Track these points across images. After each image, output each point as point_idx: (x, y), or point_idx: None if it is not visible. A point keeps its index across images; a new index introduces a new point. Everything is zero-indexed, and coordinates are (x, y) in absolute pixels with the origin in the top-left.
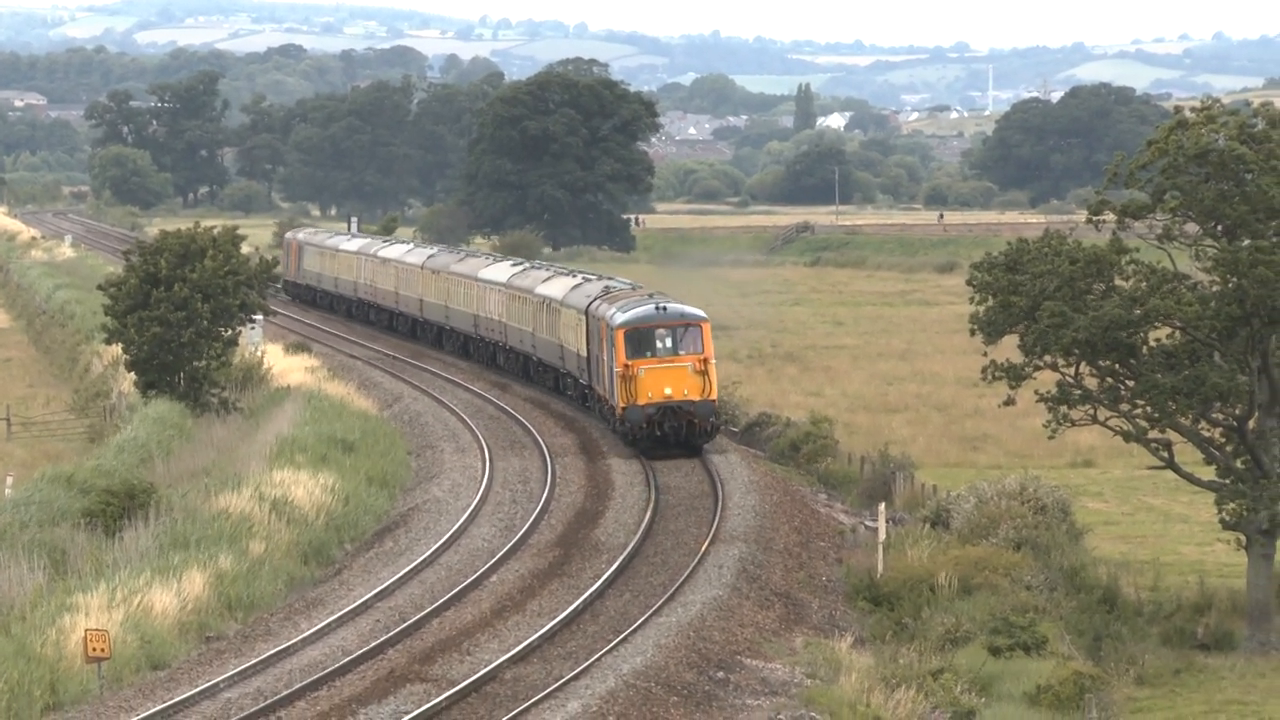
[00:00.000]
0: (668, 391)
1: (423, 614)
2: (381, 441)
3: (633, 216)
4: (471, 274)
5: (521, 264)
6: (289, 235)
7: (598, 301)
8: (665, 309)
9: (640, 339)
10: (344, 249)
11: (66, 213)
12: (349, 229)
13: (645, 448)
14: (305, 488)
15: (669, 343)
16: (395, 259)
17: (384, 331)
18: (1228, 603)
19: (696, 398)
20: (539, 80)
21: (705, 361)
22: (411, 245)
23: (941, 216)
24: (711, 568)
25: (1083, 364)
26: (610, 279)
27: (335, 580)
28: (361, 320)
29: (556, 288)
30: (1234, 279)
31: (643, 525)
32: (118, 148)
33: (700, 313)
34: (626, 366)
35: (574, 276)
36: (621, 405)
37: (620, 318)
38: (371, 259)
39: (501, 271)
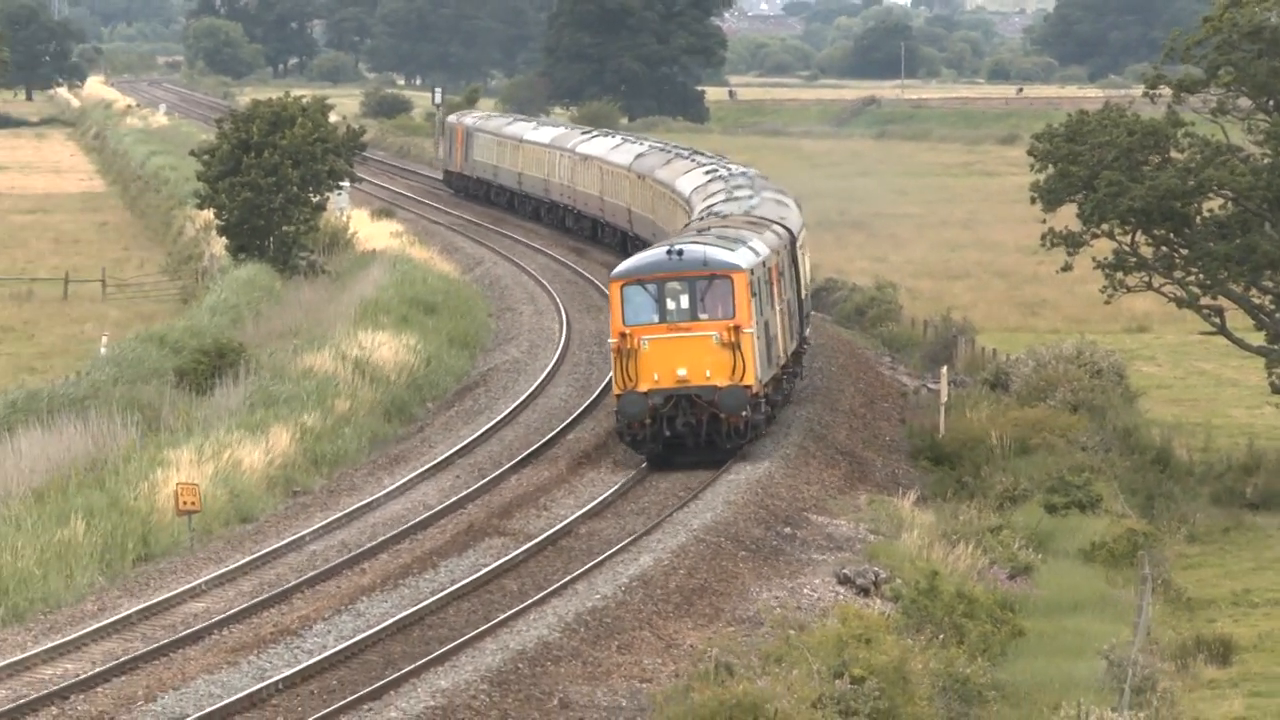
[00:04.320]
0: (681, 373)
1: (501, 470)
2: (463, 304)
3: (728, 89)
4: (670, 182)
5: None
6: (452, 119)
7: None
8: (681, 254)
9: (642, 297)
10: (530, 139)
11: (161, 82)
12: (433, 100)
13: (651, 453)
14: (388, 348)
15: (684, 302)
16: (599, 156)
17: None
18: (1276, 464)
19: (723, 382)
20: None
21: (737, 330)
22: (619, 139)
23: (1021, 90)
24: (779, 427)
25: (1138, 232)
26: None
27: (417, 438)
28: (556, 226)
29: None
30: None
31: None
32: (211, 19)
33: (733, 258)
34: (623, 336)
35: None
36: (616, 392)
37: (619, 266)
38: (569, 154)
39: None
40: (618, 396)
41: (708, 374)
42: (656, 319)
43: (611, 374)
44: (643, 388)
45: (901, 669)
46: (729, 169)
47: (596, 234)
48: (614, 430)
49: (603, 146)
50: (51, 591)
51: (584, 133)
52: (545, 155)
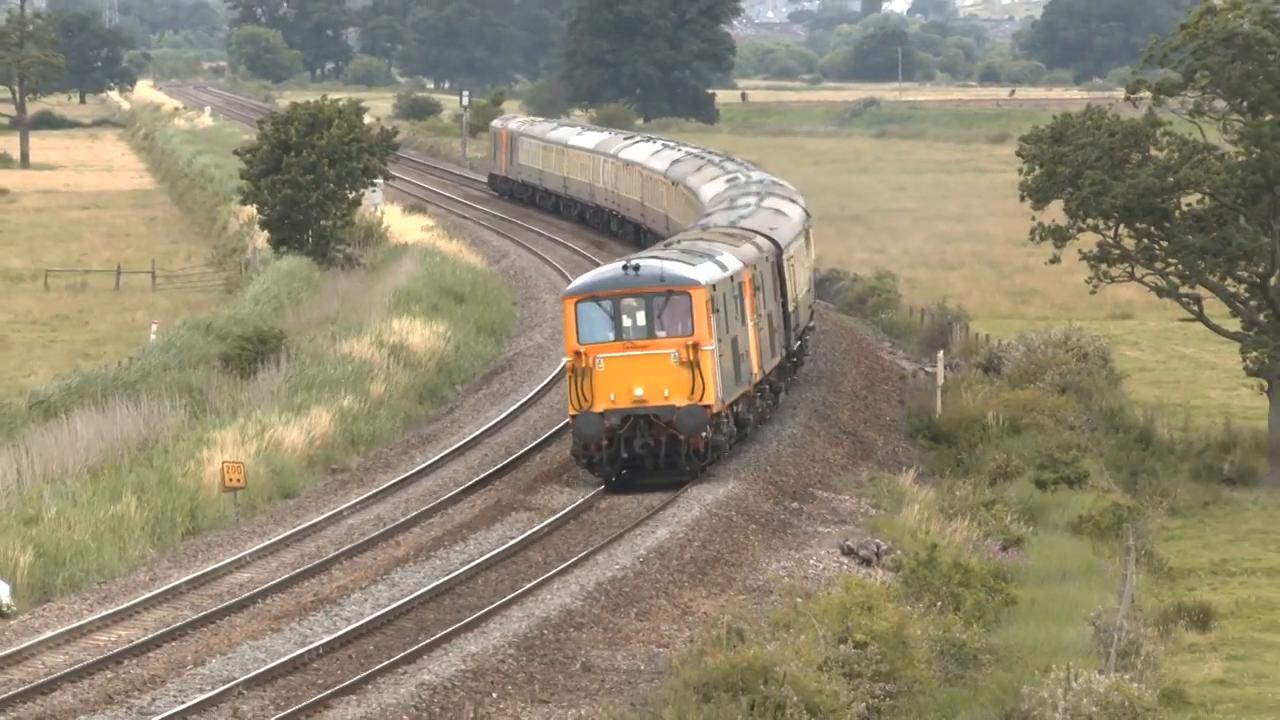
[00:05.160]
0: (638, 393)
1: (525, 449)
2: (489, 293)
3: (741, 92)
4: (696, 189)
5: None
6: (497, 124)
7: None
8: (638, 269)
9: (596, 314)
10: (575, 145)
11: (206, 86)
12: (460, 102)
13: (609, 474)
14: (420, 335)
15: (641, 319)
16: (640, 162)
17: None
18: (1251, 442)
19: (681, 401)
20: None
21: (696, 348)
22: (659, 145)
23: (1013, 92)
24: (786, 408)
25: (1121, 226)
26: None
27: (447, 418)
28: (600, 229)
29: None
30: (1257, 150)
31: None
32: (252, 27)
33: (692, 273)
34: (578, 355)
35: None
36: (571, 413)
37: (573, 282)
38: (612, 160)
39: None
40: (573, 417)
41: (666, 393)
42: (612, 336)
43: (566, 394)
44: (599, 408)
45: (901, 634)
46: (749, 176)
47: (640, 239)
48: (569, 453)
49: (643, 152)
50: (106, 563)
51: (626, 138)
52: (590, 160)
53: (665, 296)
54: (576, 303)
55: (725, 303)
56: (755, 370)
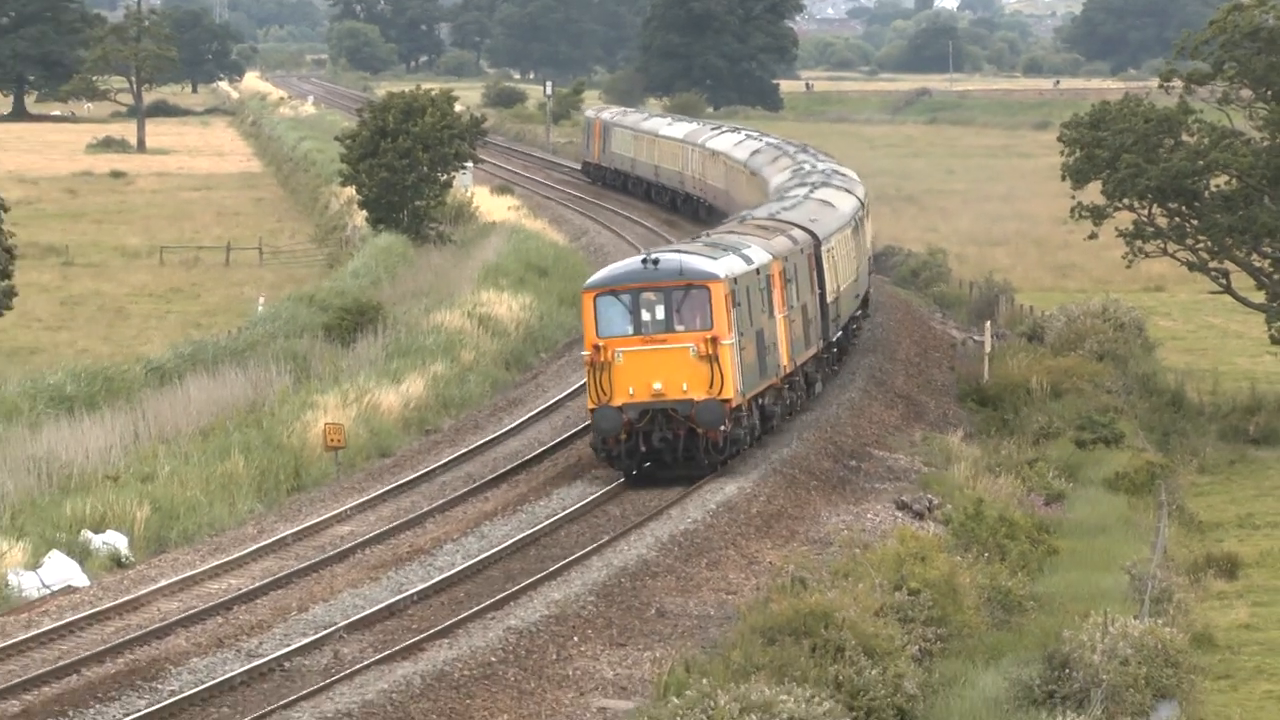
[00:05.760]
0: (657, 386)
1: None
2: (570, 268)
3: (806, 82)
4: (768, 180)
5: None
6: (590, 114)
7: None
8: (657, 263)
9: (616, 308)
10: (665, 134)
11: (309, 76)
12: (544, 91)
13: (628, 468)
14: (506, 306)
15: (660, 313)
16: (724, 152)
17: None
18: (1275, 405)
19: (700, 395)
20: None
21: (714, 342)
22: (743, 135)
23: (1058, 83)
24: (846, 374)
25: (1154, 206)
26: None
27: (532, 383)
28: (690, 215)
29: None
30: None
31: None
32: (351, 22)
33: (711, 267)
34: (597, 349)
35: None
36: (590, 406)
37: (593, 276)
38: (700, 149)
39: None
40: (592, 411)
41: (684, 387)
42: (631, 330)
43: (586, 388)
44: (617, 402)
45: (952, 583)
46: (815, 166)
47: None
48: (589, 446)
49: (728, 142)
50: (216, 517)
51: (714, 128)
52: (679, 150)
53: (684, 290)
54: (595, 296)
55: (749, 296)
56: (785, 362)
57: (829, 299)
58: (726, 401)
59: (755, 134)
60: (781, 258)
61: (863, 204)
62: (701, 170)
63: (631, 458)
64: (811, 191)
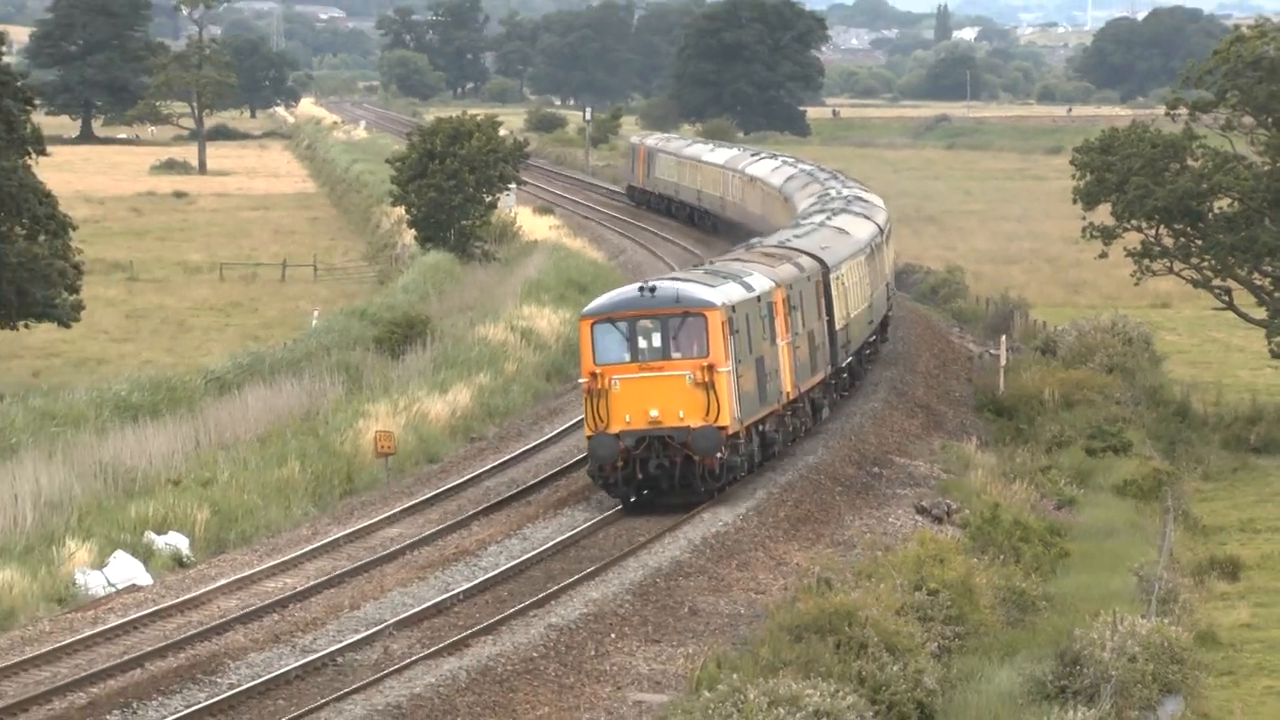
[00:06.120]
0: (653, 414)
1: None
2: (609, 284)
3: (832, 109)
4: (797, 205)
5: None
6: (635, 140)
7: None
8: (654, 290)
9: (612, 335)
10: (707, 160)
11: (361, 102)
12: (584, 117)
13: (625, 495)
14: (547, 320)
15: (656, 340)
16: (762, 178)
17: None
18: (1275, 415)
19: (696, 422)
20: (733, 0)
21: (711, 369)
22: (779, 162)
23: (1070, 110)
24: (869, 385)
25: (1161, 226)
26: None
27: (571, 394)
28: (729, 238)
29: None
30: None
31: None
32: (401, 51)
33: (708, 295)
34: (594, 376)
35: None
36: (587, 434)
37: (590, 304)
38: (739, 175)
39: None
40: (589, 438)
41: (681, 414)
42: (628, 358)
43: (583, 414)
44: (614, 429)
45: (969, 583)
46: (840, 193)
47: None
48: (586, 474)
49: (765, 168)
50: (273, 520)
51: (753, 154)
52: (720, 175)
53: (681, 318)
54: (593, 324)
55: (749, 323)
56: (787, 389)
57: (838, 325)
58: (723, 428)
59: (791, 160)
60: (785, 285)
61: (882, 230)
62: (741, 195)
63: (628, 485)
64: (829, 219)
